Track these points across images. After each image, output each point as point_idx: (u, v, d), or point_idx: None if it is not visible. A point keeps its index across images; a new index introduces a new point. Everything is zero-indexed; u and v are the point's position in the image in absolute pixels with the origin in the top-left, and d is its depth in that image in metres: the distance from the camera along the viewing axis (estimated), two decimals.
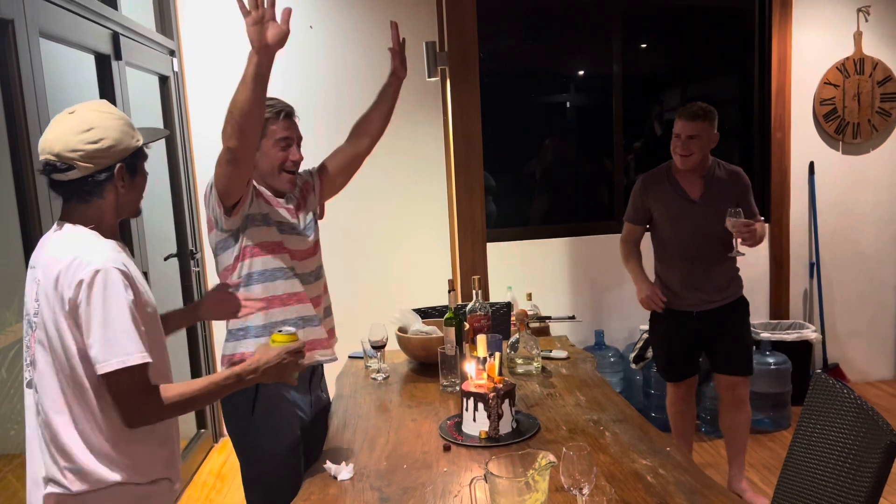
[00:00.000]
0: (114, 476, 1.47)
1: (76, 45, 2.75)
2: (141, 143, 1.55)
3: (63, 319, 1.42)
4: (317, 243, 2.23)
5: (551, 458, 1.39)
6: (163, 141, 3.68)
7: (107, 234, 1.52)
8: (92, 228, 1.50)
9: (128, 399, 1.43)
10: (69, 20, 2.64)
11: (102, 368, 1.40)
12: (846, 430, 1.76)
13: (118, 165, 1.49)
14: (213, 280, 4.07)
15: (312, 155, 4.07)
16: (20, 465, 1.94)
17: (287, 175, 2.11)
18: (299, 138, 2.17)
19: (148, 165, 1.62)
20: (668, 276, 3.08)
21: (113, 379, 1.41)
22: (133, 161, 1.53)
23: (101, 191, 1.49)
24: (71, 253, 1.45)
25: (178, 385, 1.51)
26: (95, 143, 1.45)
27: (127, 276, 1.45)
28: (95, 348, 1.41)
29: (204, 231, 4.03)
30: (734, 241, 2.90)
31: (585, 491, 1.38)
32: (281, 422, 2.03)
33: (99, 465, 1.47)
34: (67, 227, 1.51)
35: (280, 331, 1.71)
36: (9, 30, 2.21)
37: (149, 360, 1.44)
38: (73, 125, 1.46)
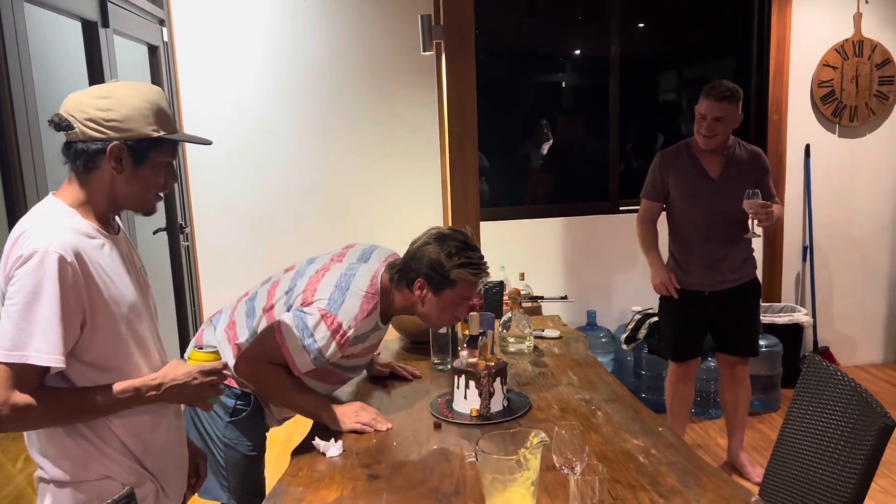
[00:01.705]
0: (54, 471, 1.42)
1: (62, 10, 2.67)
2: (157, 134, 1.42)
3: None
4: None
5: (543, 436, 1.37)
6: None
7: (93, 217, 1.43)
8: (76, 206, 1.41)
9: (12, 398, 1.29)
10: None
11: (6, 356, 1.28)
12: (839, 411, 1.76)
13: (114, 143, 1.38)
14: (203, 255, 4.03)
15: (308, 135, 4.04)
16: (4, 438, 1.91)
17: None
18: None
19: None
20: (682, 255, 3.06)
21: (5, 370, 1.29)
22: (139, 148, 1.41)
23: (94, 165, 1.39)
24: (25, 226, 1.36)
25: (62, 391, 1.37)
26: (102, 111, 1.37)
27: (75, 266, 1.32)
28: (3, 331, 1.29)
29: (195, 204, 3.98)
30: (750, 222, 2.88)
31: (577, 470, 1.36)
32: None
33: (41, 459, 1.43)
34: (50, 197, 1.43)
35: (200, 348, 1.54)
36: None
37: (58, 365, 1.31)
38: (98, 91, 1.40)
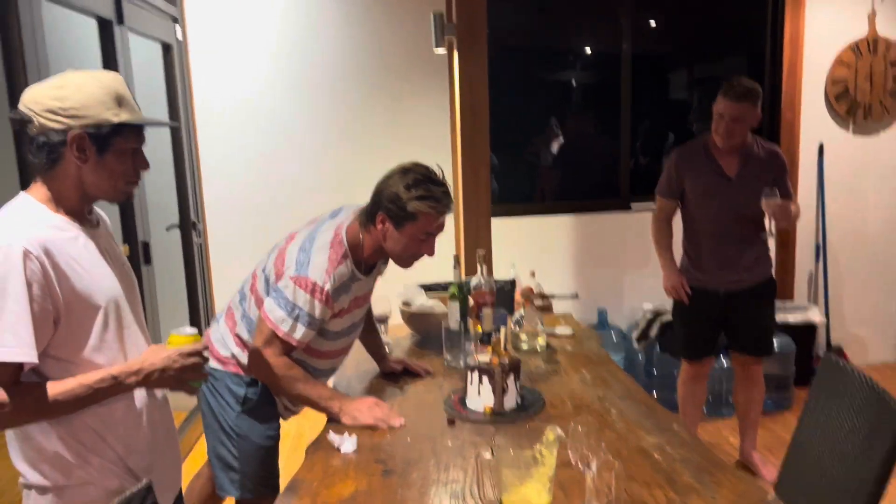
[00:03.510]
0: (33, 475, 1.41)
1: (78, 7, 2.69)
2: (118, 120, 1.38)
3: None
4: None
5: (559, 432, 1.37)
6: (164, 109, 3.64)
7: (66, 210, 1.40)
8: (46, 201, 1.39)
9: None
10: None
11: None
12: (855, 411, 1.74)
13: (74, 131, 1.35)
14: (215, 251, 4.05)
15: (319, 132, 4.04)
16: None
17: (413, 260, 2.02)
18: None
19: (148, 139, 1.49)
20: (697, 254, 3.04)
21: None
22: (101, 135, 1.37)
23: (58, 157, 1.36)
24: None
25: (35, 385, 1.33)
26: (59, 100, 1.34)
27: (42, 259, 1.30)
28: None
29: (207, 201, 3.99)
30: (767, 221, 2.86)
31: (593, 466, 1.36)
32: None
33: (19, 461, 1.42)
34: (21, 194, 1.40)
35: (179, 331, 1.49)
36: None
37: (29, 360, 1.29)
38: (52, 82, 1.38)
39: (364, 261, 1.99)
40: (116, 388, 1.39)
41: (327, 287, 1.85)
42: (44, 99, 1.35)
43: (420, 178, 1.88)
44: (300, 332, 1.87)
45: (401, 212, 1.87)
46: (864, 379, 1.75)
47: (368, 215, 1.94)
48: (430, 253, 1.98)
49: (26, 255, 1.28)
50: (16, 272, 1.27)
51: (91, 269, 1.40)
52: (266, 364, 1.89)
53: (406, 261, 2.00)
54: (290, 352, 1.92)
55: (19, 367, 1.31)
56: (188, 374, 1.47)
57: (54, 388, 1.33)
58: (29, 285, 1.28)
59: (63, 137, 1.35)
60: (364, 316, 2.16)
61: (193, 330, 1.51)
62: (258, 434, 2.01)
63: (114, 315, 1.43)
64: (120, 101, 1.40)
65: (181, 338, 1.48)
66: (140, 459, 1.50)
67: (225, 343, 2.03)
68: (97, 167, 1.40)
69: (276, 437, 2.07)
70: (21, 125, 1.36)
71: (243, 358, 1.99)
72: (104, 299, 1.41)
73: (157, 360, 1.43)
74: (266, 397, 2.03)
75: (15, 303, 1.27)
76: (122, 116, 1.40)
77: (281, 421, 2.13)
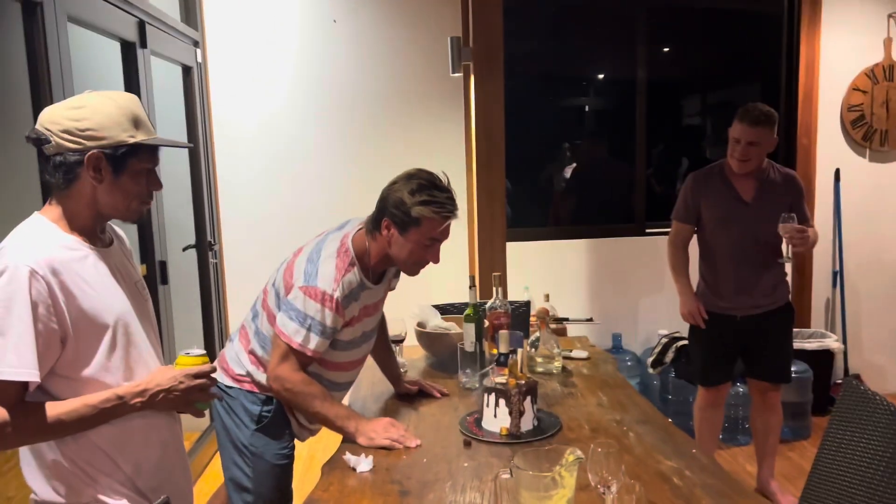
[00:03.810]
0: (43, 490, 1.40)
1: (103, 31, 2.75)
2: (134, 140, 1.39)
3: None
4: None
5: (579, 453, 1.35)
6: (184, 131, 3.69)
7: (78, 230, 1.41)
8: (57, 220, 1.40)
9: None
10: (97, 6, 2.64)
11: None
12: (878, 437, 1.72)
13: (91, 151, 1.35)
14: (231, 272, 4.06)
15: (336, 154, 4.08)
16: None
17: (417, 267, 2.01)
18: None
19: (167, 160, 1.51)
20: (714, 279, 3.02)
21: None
22: (118, 156, 1.38)
23: (74, 177, 1.37)
24: (2, 244, 1.35)
25: (38, 405, 1.32)
26: (77, 121, 1.35)
27: (49, 279, 1.30)
28: None
29: (224, 222, 4.02)
30: (784, 246, 2.84)
31: (613, 489, 1.34)
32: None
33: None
34: (35, 215, 1.41)
35: (187, 353, 1.48)
36: (38, 13, 2.21)
37: (32, 379, 1.29)
38: (71, 102, 1.39)
39: (371, 269, 1.99)
40: (122, 408, 1.39)
41: (336, 295, 1.86)
42: (61, 119, 1.36)
43: (424, 184, 1.90)
44: (314, 341, 1.87)
45: (405, 217, 1.88)
46: (885, 404, 1.73)
47: (374, 222, 1.96)
48: (436, 260, 1.98)
49: (32, 274, 1.29)
50: (21, 292, 1.28)
51: (100, 288, 1.40)
52: (284, 380, 1.89)
53: (412, 268, 2.00)
54: (307, 365, 1.92)
55: (23, 386, 1.31)
56: (194, 395, 1.47)
57: (58, 409, 1.33)
58: (34, 305, 1.28)
59: (80, 158, 1.36)
60: (377, 327, 2.16)
61: (202, 351, 1.50)
62: (272, 453, 2.00)
63: (122, 334, 1.43)
64: (136, 122, 1.41)
65: (189, 359, 1.47)
66: (149, 479, 1.49)
67: (240, 361, 2.04)
68: (112, 187, 1.40)
69: (291, 457, 2.06)
70: (38, 144, 1.37)
71: (258, 375, 1.99)
72: (112, 318, 1.41)
73: (164, 381, 1.43)
74: (281, 416, 2.02)
75: (20, 322, 1.27)
76: (138, 137, 1.41)
77: (296, 442, 2.12)
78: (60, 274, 1.32)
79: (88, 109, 1.37)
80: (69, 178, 1.38)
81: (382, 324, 2.30)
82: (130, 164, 1.41)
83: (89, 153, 1.36)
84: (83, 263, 1.39)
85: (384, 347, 2.32)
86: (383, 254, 1.96)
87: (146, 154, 1.44)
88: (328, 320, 1.86)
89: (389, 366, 2.33)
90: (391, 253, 1.94)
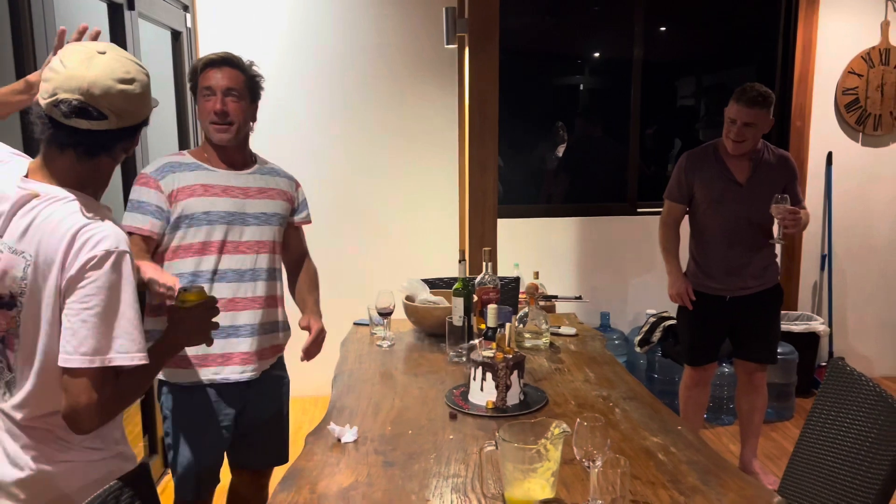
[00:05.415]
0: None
1: None
2: (153, 108, 1.41)
3: (53, 303, 1.28)
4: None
5: (565, 427, 1.35)
6: (172, 99, 3.62)
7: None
8: (79, 192, 1.33)
9: (102, 399, 1.28)
10: None
11: (89, 361, 1.25)
12: (862, 418, 1.72)
13: (142, 128, 1.36)
14: None
15: (326, 125, 4.03)
16: None
17: (213, 126, 2.04)
18: (227, 88, 2.04)
19: (157, 122, 1.50)
20: (705, 259, 3.02)
21: (90, 374, 1.26)
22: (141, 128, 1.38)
23: (112, 150, 1.33)
24: (74, 221, 1.28)
25: (126, 375, 1.35)
26: (134, 97, 1.31)
27: (133, 257, 1.34)
28: (81, 337, 1.25)
29: None
30: (776, 227, 2.84)
31: (598, 463, 1.34)
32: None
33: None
34: (54, 187, 1.31)
35: (186, 289, 1.54)
36: None
37: (143, 362, 1.32)
38: (115, 70, 1.29)
39: (211, 158, 2.09)
40: (170, 353, 1.52)
41: (144, 171, 2.00)
42: (119, 94, 1.30)
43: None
44: (130, 219, 1.94)
45: (192, 85, 2.09)
46: (871, 385, 1.74)
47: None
48: (217, 109, 2.02)
49: (130, 259, 1.32)
50: (127, 278, 1.30)
51: None
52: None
53: (210, 130, 2.07)
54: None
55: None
56: (209, 325, 1.56)
57: (141, 370, 1.37)
58: (134, 288, 1.32)
59: (130, 134, 1.37)
60: (257, 218, 2.17)
61: (199, 287, 1.58)
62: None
63: None
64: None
65: (195, 296, 1.54)
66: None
67: None
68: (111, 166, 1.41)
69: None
70: (91, 117, 1.27)
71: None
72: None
73: (191, 323, 1.53)
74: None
75: (128, 307, 1.31)
76: (153, 102, 1.42)
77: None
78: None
79: (139, 84, 1.35)
80: (106, 153, 1.37)
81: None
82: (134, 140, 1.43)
83: (141, 130, 1.40)
84: None
85: (296, 274, 2.29)
86: (206, 143, 2.11)
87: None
88: (142, 196, 1.97)
89: (299, 292, 2.26)
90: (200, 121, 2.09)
